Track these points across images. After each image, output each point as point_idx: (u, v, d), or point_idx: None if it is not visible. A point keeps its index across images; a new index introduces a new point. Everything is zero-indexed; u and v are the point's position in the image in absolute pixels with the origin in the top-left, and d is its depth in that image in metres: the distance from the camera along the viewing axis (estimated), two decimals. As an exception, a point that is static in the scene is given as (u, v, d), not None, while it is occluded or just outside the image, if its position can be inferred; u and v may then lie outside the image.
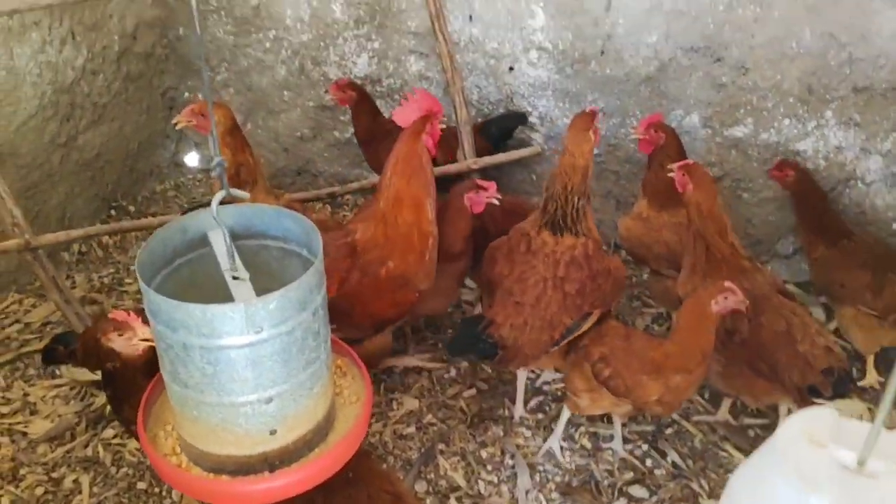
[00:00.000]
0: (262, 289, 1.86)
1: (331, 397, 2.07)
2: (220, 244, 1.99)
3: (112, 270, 4.13)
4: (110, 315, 2.46)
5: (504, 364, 2.93)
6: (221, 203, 1.89)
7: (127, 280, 4.05)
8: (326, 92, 4.14)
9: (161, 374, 2.13)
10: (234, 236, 2.03)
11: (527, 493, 2.91)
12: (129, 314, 2.44)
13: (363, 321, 2.91)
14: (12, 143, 3.76)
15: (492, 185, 3.14)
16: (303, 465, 1.98)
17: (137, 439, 2.61)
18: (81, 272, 4.10)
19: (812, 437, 0.96)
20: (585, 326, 2.87)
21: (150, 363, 2.36)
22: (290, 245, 2.08)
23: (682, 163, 3.00)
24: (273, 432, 1.92)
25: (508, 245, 2.98)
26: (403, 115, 2.89)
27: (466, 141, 3.78)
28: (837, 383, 2.60)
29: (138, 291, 3.95)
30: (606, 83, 3.72)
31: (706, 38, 3.46)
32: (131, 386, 2.43)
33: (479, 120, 4.06)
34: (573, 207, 2.87)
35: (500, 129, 4.02)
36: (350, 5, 4.08)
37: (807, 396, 2.65)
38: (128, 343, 2.42)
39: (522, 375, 3.24)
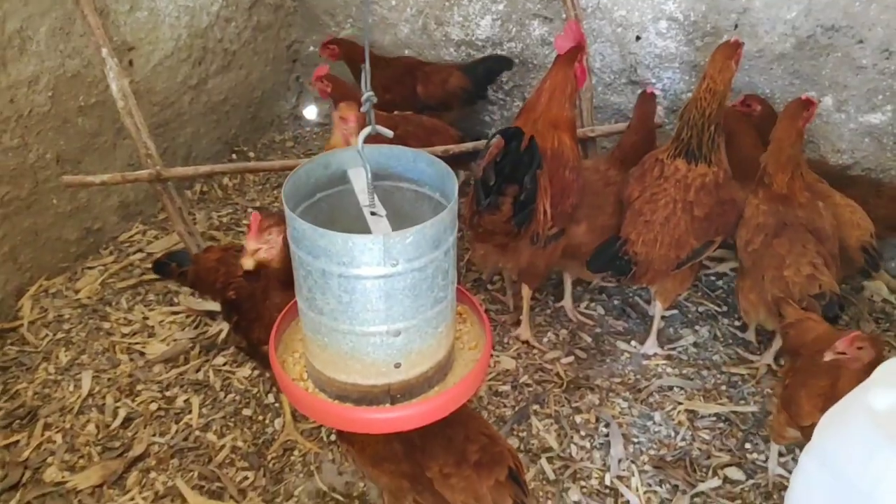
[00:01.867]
0: (395, 228, 1.92)
1: (452, 339, 2.12)
2: (359, 181, 2.06)
3: (230, 211, 4.30)
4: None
5: (636, 280, 3.16)
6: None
7: (244, 221, 4.21)
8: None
9: (291, 304, 2.24)
10: (372, 176, 2.10)
11: (619, 461, 2.91)
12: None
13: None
14: (149, 81, 3.95)
15: None
16: (422, 401, 2.03)
17: (260, 364, 2.74)
18: (202, 210, 4.28)
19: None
20: (708, 252, 3.13)
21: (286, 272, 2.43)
22: (424, 188, 2.12)
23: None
24: (397, 365, 1.98)
25: (641, 169, 3.18)
26: (561, 43, 3.10)
27: (586, 109, 3.75)
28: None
29: (253, 232, 4.12)
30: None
31: (850, 16, 3.31)
32: (261, 306, 2.51)
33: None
34: (709, 136, 3.02)
35: (487, 70, 4.09)
36: (478, -34, 4.09)
37: None
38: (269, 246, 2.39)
39: (659, 310, 3.33)
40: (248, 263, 2.39)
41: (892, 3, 3.21)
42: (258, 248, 2.37)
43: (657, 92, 3.91)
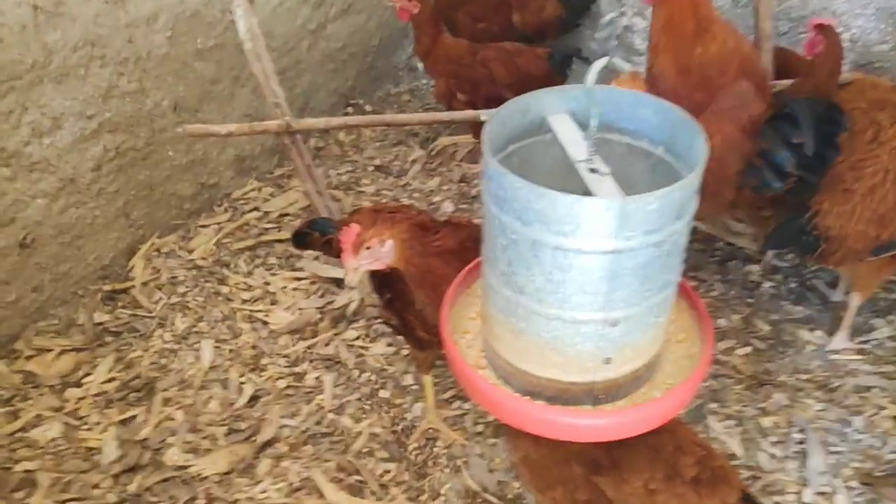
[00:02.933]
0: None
1: (666, 332, 1.72)
2: (567, 130, 1.65)
3: (349, 168, 3.97)
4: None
5: (824, 259, 2.68)
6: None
7: (364, 180, 3.88)
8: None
9: (465, 273, 1.87)
10: (574, 124, 1.69)
11: (819, 475, 2.46)
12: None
13: None
14: (267, 24, 3.62)
15: None
16: (636, 406, 1.65)
17: (415, 346, 2.38)
18: (319, 167, 3.94)
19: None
20: None
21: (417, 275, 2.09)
22: (641, 142, 1.70)
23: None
24: (608, 361, 1.59)
25: (853, 130, 2.61)
26: None
27: (765, 59, 3.22)
28: None
29: (376, 192, 3.78)
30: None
31: None
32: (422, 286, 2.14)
33: None
34: None
35: None
36: None
37: None
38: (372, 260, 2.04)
39: (855, 302, 2.83)
40: (351, 280, 2.03)
41: None
42: (358, 266, 2.01)
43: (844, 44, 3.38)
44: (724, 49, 2.62)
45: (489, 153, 1.51)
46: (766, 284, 3.18)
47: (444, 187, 3.80)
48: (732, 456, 2.51)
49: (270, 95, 2.99)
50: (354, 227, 2.01)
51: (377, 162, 4.01)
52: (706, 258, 3.29)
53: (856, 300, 2.86)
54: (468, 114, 3.14)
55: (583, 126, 1.67)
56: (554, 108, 1.71)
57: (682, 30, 2.60)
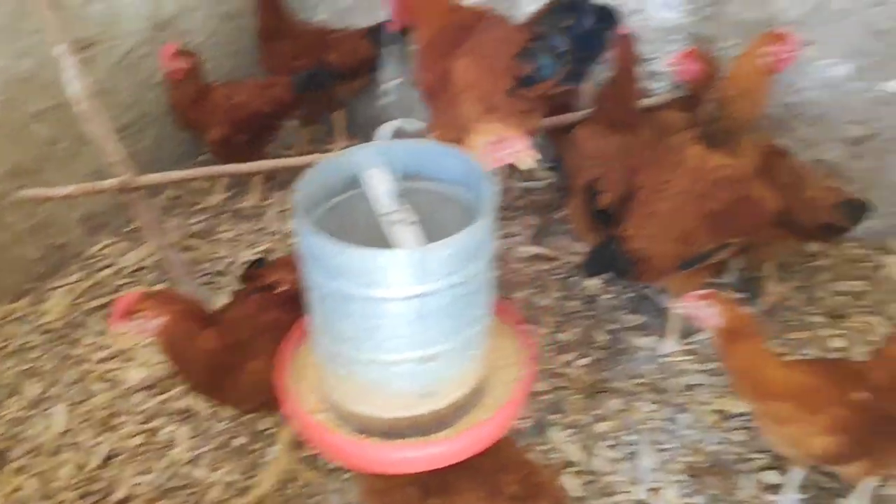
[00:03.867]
0: None
1: (486, 359, 1.88)
2: (377, 185, 1.80)
3: (207, 216, 3.99)
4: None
5: (638, 278, 2.93)
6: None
7: (220, 227, 3.91)
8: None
9: (300, 324, 1.98)
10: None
11: (651, 471, 2.69)
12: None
13: None
14: (112, 79, 3.62)
15: None
16: (458, 434, 1.79)
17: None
18: (175, 217, 3.96)
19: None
20: (722, 256, 2.84)
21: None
22: (451, 189, 1.86)
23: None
24: (429, 395, 1.73)
25: (654, 156, 2.88)
26: None
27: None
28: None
29: (232, 239, 3.83)
30: (746, 27, 3.38)
31: (866, -22, 3.11)
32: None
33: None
34: (735, 124, 2.77)
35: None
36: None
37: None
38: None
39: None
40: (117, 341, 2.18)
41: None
42: (125, 332, 2.15)
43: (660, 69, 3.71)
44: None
45: (297, 212, 1.63)
46: (605, 297, 3.43)
47: (302, 228, 3.88)
48: (571, 463, 2.70)
49: (109, 154, 2.99)
50: (135, 294, 2.14)
51: (233, 207, 4.05)
52: (550, 277, 3.51)
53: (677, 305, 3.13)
54: (307, 159, 3.26)
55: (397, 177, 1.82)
56: (366, 163, 1.85)
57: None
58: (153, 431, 2.86)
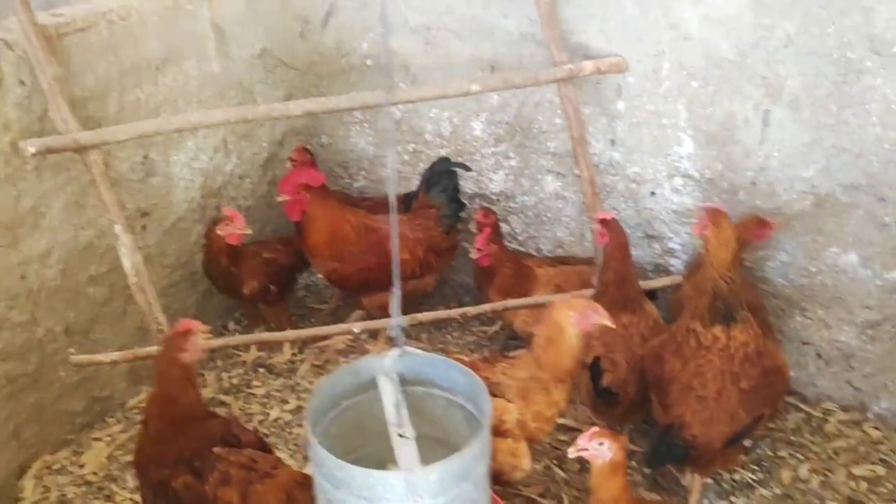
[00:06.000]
0: (424, 436, 1.83)
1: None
2: (389, 395, 1.96)
3: (241, 371, 4.18)
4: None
5: (696, 465, 3.02)
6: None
7: (255, 382, 4.09)
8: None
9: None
10: (403, 381, 2.01)
11: None
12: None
13: None
14: (161, 245, 3.92)
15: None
16: None
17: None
18: (212, 371, 4.16)
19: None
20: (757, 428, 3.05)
21: None
22: (457, 397, 2.03)
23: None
24: None
25: (675, 342, 3.02)
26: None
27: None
28: None
29: (265, 395, 3.99)
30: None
31: (869, 175, 3.28)
32: None
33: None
34: (737, 300, 2.93)
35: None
36: (491, 124, 4.13)
37: None
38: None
39: (698, 484, 3.18)
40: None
41: (912, 163, 3.20)
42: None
43: (676, 246, 3.90)
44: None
45: (309, 422, 1.80)
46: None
47: (331, 385, 4.04)
48: None
49: (154, 323, 3.24)
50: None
51: (267, 362, 4.24)
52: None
53: (698, 482, 3.18)
54: (340, 327, 3.47)
55: (404, 383, 1.99)
56: (381, 371, 2.02)
57: None
58: None
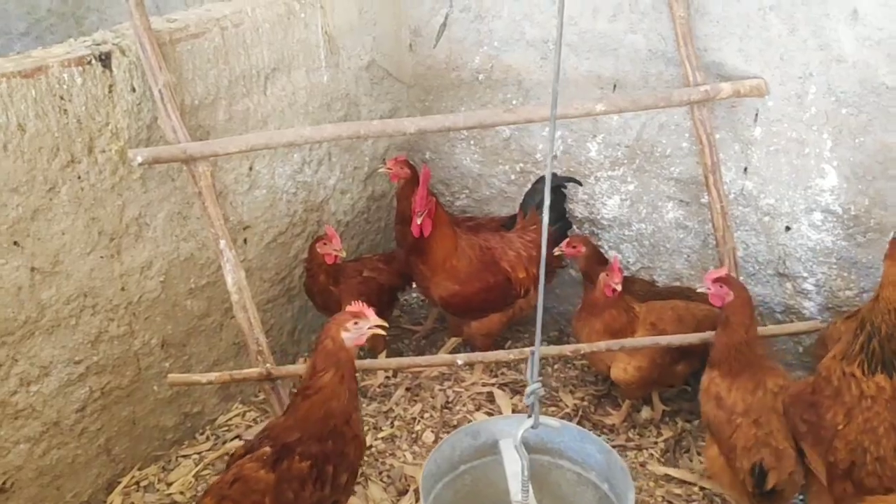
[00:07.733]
0: None
1: None
2: (512, 463, 1.73)
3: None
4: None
5: None
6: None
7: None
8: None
9: None
10: (527, 447, 1.77)
11: None
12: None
13: None
14: (261, 259, 3.81)
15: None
16: None
17: None
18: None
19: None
20: None
21: None
22: (589, 473, 1.78)
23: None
24: None
25: (833, 388, 2.67)
26: None
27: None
28: None
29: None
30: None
31: None
32: None
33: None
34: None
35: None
36: (608, 146, 3.86)
37: None
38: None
39: None
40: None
41: None
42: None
43: (810, 287, 3.54)
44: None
45: (423, 486, 1.59)
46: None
47: (426, 414, 3.85)
48: None
49: (253, 344, 3.11)
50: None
51: (360, 385, 4.08)
52: None
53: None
54: (444, 358, 3.26)
55: (528, 450, 1.75)
56: (504, 433, 1.80)
57: None
58: None
